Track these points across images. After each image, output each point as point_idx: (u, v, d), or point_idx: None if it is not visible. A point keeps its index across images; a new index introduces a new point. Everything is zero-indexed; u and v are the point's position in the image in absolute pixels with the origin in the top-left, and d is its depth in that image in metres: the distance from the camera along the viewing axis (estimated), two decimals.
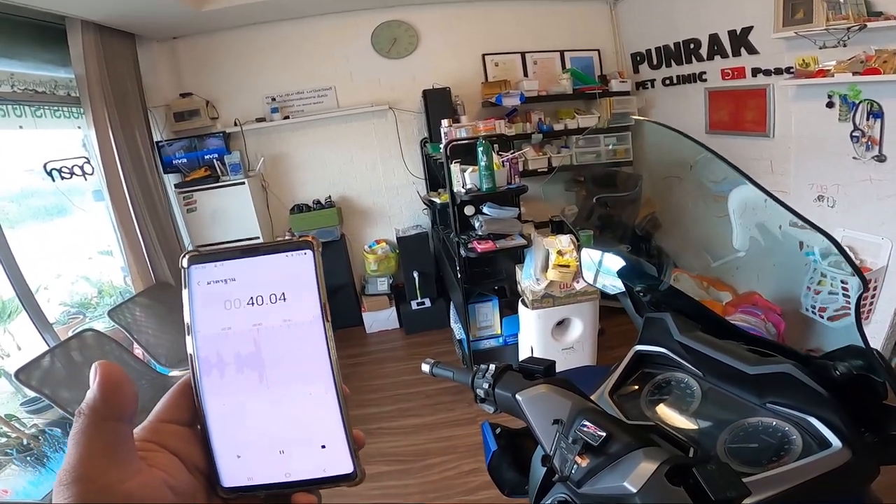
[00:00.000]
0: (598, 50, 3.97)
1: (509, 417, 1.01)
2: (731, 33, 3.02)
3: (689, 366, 0.85)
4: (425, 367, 0.93)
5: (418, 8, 3.71)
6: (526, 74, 3.85)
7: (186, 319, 0.28)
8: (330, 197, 3.82)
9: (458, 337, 2.96)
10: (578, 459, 0.61)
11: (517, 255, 2.54)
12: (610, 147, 3.70)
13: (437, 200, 3.36)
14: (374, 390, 3.00)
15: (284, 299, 0.28)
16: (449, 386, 2.93)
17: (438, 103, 3.42)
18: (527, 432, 0.94)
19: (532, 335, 2.39)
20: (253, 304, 0.28)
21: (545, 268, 2.28)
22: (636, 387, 0.92)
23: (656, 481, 0.52)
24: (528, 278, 2.32)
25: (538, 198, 3.59)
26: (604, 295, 2.58)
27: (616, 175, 3.30)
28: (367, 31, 3.71)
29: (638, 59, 3.86)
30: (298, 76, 3.71)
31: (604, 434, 0.62)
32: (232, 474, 0.27)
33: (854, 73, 2.32)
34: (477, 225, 2.47)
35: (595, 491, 0.59)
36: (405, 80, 3.77)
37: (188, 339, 0.28)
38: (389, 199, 4.01)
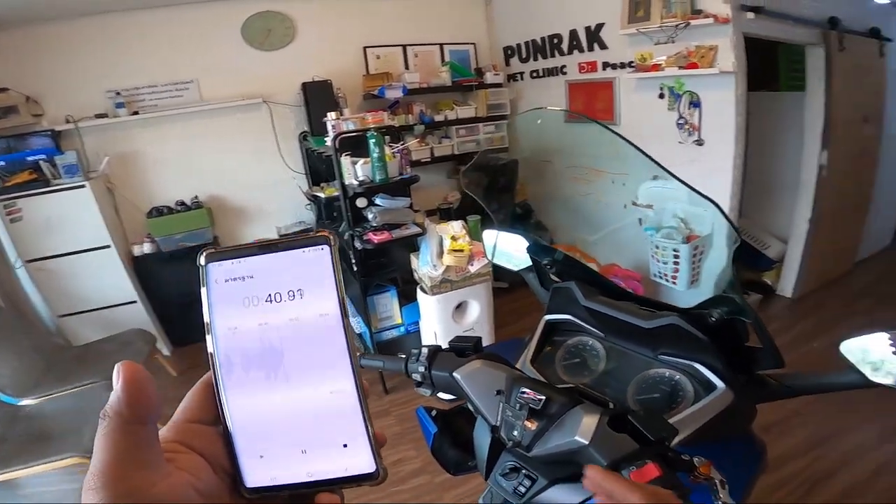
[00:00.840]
0: (474, 43, 4.14)
1: (439, 402, 1.04)
2: (587, 29, 3.33)
3: (593, 329, 0.97)
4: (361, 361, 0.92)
5: None
6: (407, 67, 3.89)
7: (206, 318, 0.27)
8: (197, 197, 3.46)
9: (358, 331, 2.92)
10: (528, 424, 0.65)
11: (411, 244, 2.58)
12: (488, 135, 3.93)
13: (322, 195, 3.25)
14: None
15: (302, 296, 0.27)
16: None
17: (319, 96, 3.30)
18: (460, 412, 0.98)
19: (434, 321, 2.46)
20: (271, 301, 0.27)
21: (440, 254, 2.36)
22: (549, 352, 1.01)
23: (603, 431, 0.58)
24: (426, 265, 2.37)
25: (425, 187, 3.67)
26: (495, 276, 2.77)
27: (501, 163, 3.53)
28: (236, 22, 3.43)
29: (509, 52, 4.10)
30: (151, 69, 3.30)
31: (543, 398, 0.67)
32: (255, 474, 0.27)
33: (679, 67, 2.70)
34: (370, 217, 2.45)
35: (546, 451, 0.63)
36: (281, 72, 3.56)
37: (208, 338, 0.27)
38: (268, 196, 3.76)
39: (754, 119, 3.45)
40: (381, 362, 0.91)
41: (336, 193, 2.81)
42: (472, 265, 2.34)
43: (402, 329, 2.85)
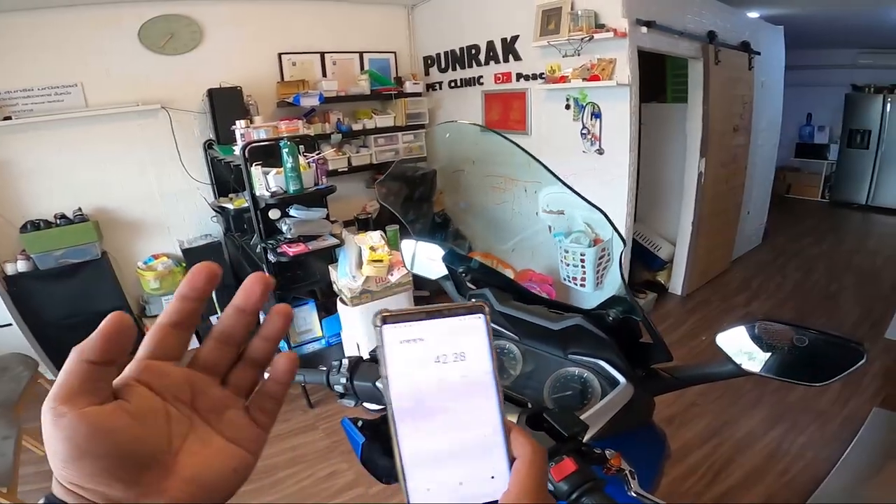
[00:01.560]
0: (395, 52, 4.11)
1: (366, 412, 1.03)
2: (504, 41, 3.44)
3: (509, 333, 1.02)
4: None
5: (202, 2, 3.29)
6: (325, 74, 3.78)
7: (384, 373, 0.31)
8: (80, 210, 3.10)
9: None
10: None
11: (329, 256, 2.52)
12: (406, 144, 3.93)
13: (230, 206, 3.07)
14: None
15: (464, 358, 0.32)
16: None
17: (227, 103, 3.11)
18: (387, 420, 0.98)
19: (356, 331, 2.42)
20: (438, 361, 0.32)
21: (360, 264, 2.32)
22: None
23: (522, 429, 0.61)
24: (345, 276, 2.33)
25: (343, 197, 3.59)
26: (416, 285, 2.78)
27: (419, 173, 3.55)
28: (133, 25, 3.14)
29: (429, 62, 4.13)
30: (25, 71, 2.92)
31: None
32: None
33: (583, 79, 2.88)
34: (285, 228, 2.35)
35: None
36: (184, 78, 3.30)
37: (385, 390, 0.31)
38: (167, 207, 3.46)
39: (646, 129, 3.80)
40: (301, 376, 0.90)
41: (246, 205, 2.66)
42: (391, 275, 2.34)
43: (324, 342, 2.77)
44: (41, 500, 0.27)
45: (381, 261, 2.29)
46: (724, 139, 3.65)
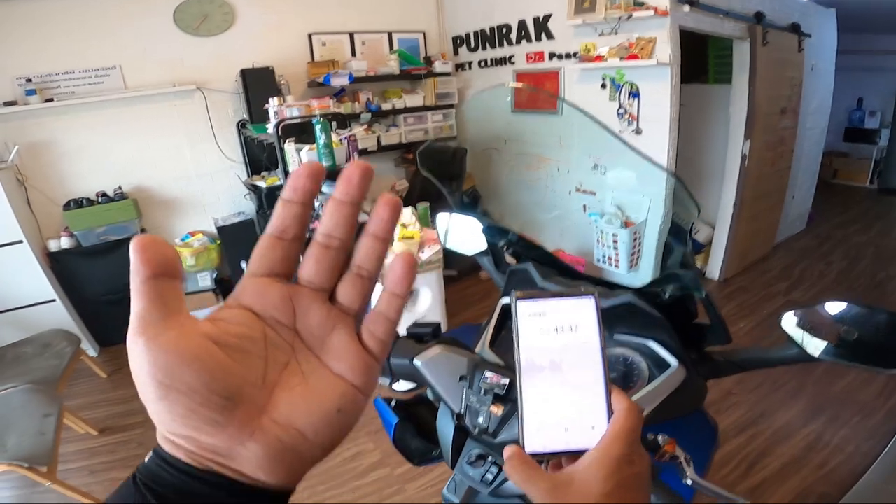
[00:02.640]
0: (423, 32, 4.08)
1: (397, 392, 1.02)
2: (536, 20, 3.37)
3: None
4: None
5: None
6: (354, 55, 3.79)
7: (516, 337, 0.38)
8: (121, 188, 3.19)
9: None
10: (494, 409, 0.64)
11: (360, 233, 2.51)
12: (437, 123, 3.90)
13: (263, 184, 3.11)
14: None
15: (577, 329, 0.38)
16: None
17: (260, 83, 3.15)
18: (421, 401, 0.96)
19: None
20: (557, 331, 0.38)
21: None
22: (507, 336, 1.01)
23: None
24: None
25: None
26: (445, 263, 2.76)
27: (443, 150, 3.51)
28: (167, 7, 3.19)
29: (458, 42, 4.08)
30: (67, 55, 3.01)
31: (507, 381, 0.66)
32: (533, 442, 0.37)
33: (620, 59, 2.80)
34: (316, 205, 2.35)
35: (513, 436, 0.62)
36: (217, 59, 3.36)
37: (516, 350, 0.38)
38: (202, 186, 3.54)
39: (686, 110, 3.65)
40: None
41: (278, 182, 2.68)
42: (422, 252, 2.32)
43: None
44: (149, 455, 0.26)
45: (412, 237, 2.28)
46: (771, 121, 3.48)
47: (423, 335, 0.84)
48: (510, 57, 3.66)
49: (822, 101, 4.29)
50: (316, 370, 0.27)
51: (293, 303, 0.28)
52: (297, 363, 0.27)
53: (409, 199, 3.64)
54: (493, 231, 1.04)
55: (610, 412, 0.37)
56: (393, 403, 0.97)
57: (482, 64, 3.92)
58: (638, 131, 3.01)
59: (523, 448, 0.37)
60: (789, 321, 0.74)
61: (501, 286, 1.06)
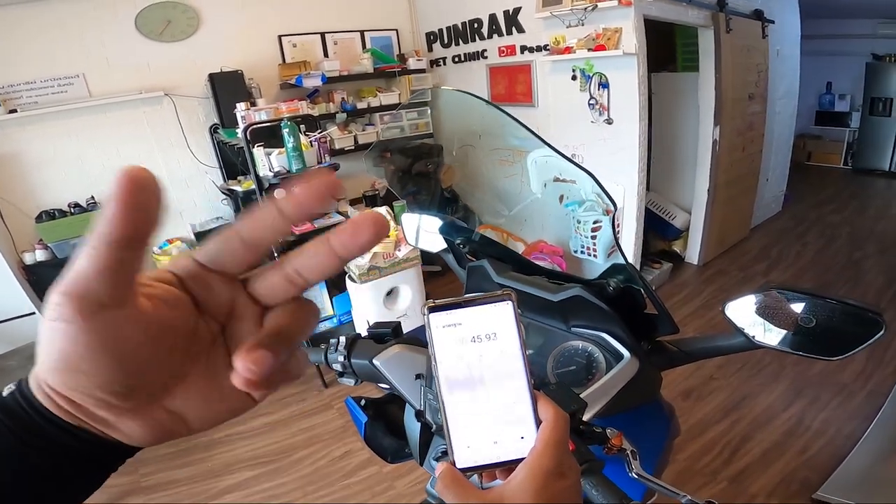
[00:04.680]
0: (396, 29, 4.05)
1: (370, 390, 1.03)
2: (506, 13, 3.36)
3: None
4: None
5: None
6: (326, 55, 3.75)
7: (431, 352, 0.37)
8: (93, 198, 3.15)
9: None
10: None
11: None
12: (412, 121, 3.90)
13: (239, 188, 3.08)
14: None
15: (496, 337, 0.37)
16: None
17: (229, 87, 3.13)
18: (391, 399, 0.97)
19: (365, 309, 2.44)
20: (475, 340, 0.37)
21: None
22: None
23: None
24: None
25: (349, 175, 3.59)
26: (423, 260, 2.78)
27: (420, 148, 3.51)
28: (129, 14, 3.12)
29: (431, 38, 4.07)
30: (28, 64, 2.94)
31: None
32: (463, 458, 0.37)
33: (588, 50, 2.80)
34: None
35: None
36: (185, 64, 3.30)
37: (433, 366, 0.37)
38: (178, 192, 3.50)
39: (657, 98, 3.69)
40: None
41: (254, 187, 2.67)
42: (399, 250, 2.33)
43: (335, 320, 2.80)
44: (11, 385, 0.24)
45: (388, 236, 2.28)
46: (739, 107, 3.55)
47: (384, 335, 0.85)
48: (483, 51, 3.67)
49: (790, 85, 4.37)
50: (223, 371, 0.26)
51: (232, 305, 0.27)
52: (209, 358, 0.26)
53: (388, 199, 3.65)
54: (450, 229, 1.05)
55: (538, 421, 0.37)
56: (363, 403, 0.98)
57: (456, 59, 3.92)
58: (609, 121, 3.03)
59: (454, 464, 0.36)
60: (734, 309, 0.75)
61: (464, 282, 1.08)
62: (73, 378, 0.23)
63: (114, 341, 0.22)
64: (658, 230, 3.78)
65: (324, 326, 2.77)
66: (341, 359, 0.82)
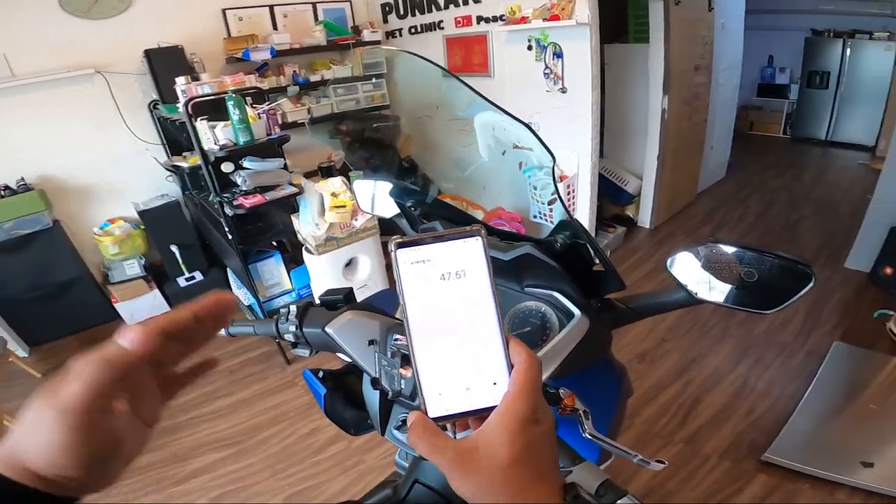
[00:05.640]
0: (350, 1, 3.92)
1: (331, 360, 1.01)
2: None
3: None
4: (221, 331, 0.85)
5: None
6: (276, 28, 3.60)
7: (400, 291, 0.34)
8: (23, 179, 2.93)
9: (246, 303, 2.76)
10: (402, 371, 0.63)
11: (291, 206, 2.45)
12: (367, 93, 3.81)
13: (185, 164, 2.94)
14: None
15: (465, 275, 0.35)
16: (252, 356, 2.73)
17: (168, 63, 2.98)
18: (350, 370, 0.95)
19: (324, 281, 2.40)
20: (444, 278, 0.35)
21: (322, 212, 2.27)
22: None
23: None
24: (307, 224, 2.28)
25: (304, 148, 3.49)
26: (382, 229, 2.75)
27: (377, 118, 3.44)
28: None
29: (387, 9, 3.98)
30: None
31: None
32: (435, 407, 0.35)
33: (543, 20, 2.81)
34: (240, 181, 2.26)
35: None
36: (118, 41, 3.10)
37: (402, 306, 0.34)
38: (117, 171, 3.30)
39: (610, 69, 3.75)
40: (251, 328, 0.84)
41: (199, 162, 2.55)
42: (356, 220, 2.30)
43: (294, 294, 2.75)
44: None
45: (343, 206, 2.24)
46: (686, 78, 3.66)
47: (336, 301, 0.83)
48: (439, 22, 3.61)
49: (734, 58, 4.52)
50: (143, 427, 0.36)
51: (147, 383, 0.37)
52: (139, 423, 0.36)
53: (345, 170, 3.57)
54: (402, 193, 1.04)
55: (510, 365, 0.35)
56: (321, 374, 0.96)
57: (412, 30, 3.85)
58: (564, 90, 3.06)
59: (426, 413, 0.35)
60: (674, 265, 0.75)
61: None
62: (64, 459, 0.31)
63: (109, 438, 0.33)
64: (612, 196, 3.89)
65: (283, 301, 2.72)
66: (293, 328, 0.78)
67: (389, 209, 1.10)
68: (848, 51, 5.81)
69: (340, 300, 0.82)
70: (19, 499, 0.30)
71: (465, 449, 0.33)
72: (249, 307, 2.71)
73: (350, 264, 2.49)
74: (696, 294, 0.73)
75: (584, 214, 3.18)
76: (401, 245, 0.35)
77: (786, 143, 6.57)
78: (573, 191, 3.12)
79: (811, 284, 0.65)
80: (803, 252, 3.46)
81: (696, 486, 1.84)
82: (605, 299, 0.86)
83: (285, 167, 2.36)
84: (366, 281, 2.50)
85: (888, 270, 2.82)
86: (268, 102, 2.46)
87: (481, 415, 0.35)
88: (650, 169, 3.69)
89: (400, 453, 0.82)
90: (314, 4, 3.75)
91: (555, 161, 0.77)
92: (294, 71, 3.54)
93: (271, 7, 3.59)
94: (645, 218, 3.91)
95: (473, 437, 0.34)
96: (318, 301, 0.85)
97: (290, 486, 2.00)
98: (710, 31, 3.85)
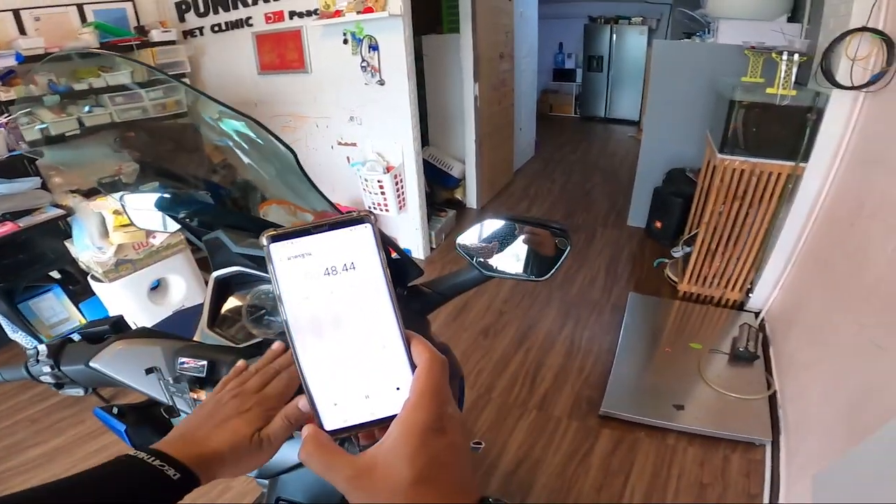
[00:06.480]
0: (132, 1, 3.36)
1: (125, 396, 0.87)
2: None
3: (264, 274, 0.92)
4: None
5: None
6: (24, 32, 2.93)
7: (276, 291, 0.30)
8: None
9: (29, 347, 2.22)
10: (194, 395, 0.61)
11: (63, 230, 2.04)
12: (157, 101, 3.33)
13: None
14: None
15: (354, 268, 0.31)
16: (56, 401, 2.28)
17: None
18: (151, 402, 0.84)
19: (126, 309, 2.06)
20: (328, 273, 0.31)
21: (105, 233, 1.94)
22: (234, 310, 0.92)
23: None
24: (86, 249, 1.91)
25: (84, 162, 2.92)
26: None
27: (172, 127, 3.04)
28: None
29: (183, 7, 3.53)
30: None
31: (205, 362, 0.62)
32: (332, 419, 0.31)
33: (357, 13, 2.80)
34: None
35: None
36: None
37: (280, 308, 0.31)
38: None
39: (428, 59, 3.90)
40: None
41: None
42: (154, 238, 2.01)
43: None
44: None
45: (131, 224, 1.93)
46: (493, 65, 3.99)
47: (101, 333, 0.74)
48: (247, 19, 3.35)
49: (531, 46, 5.08)
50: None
51: None
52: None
53: (140, 183, 3.09)
54: (170, 203, 0.93)
55: (413, 366, 0.32)
56: (115, 411, 0.84)
57: (216, 28, 3.49)
58: (382, 82, 3.09)
59: (321, 427, 0.31)
60: (464, 242, 0.78)
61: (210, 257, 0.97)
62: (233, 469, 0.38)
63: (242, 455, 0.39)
64: (440, 181, 4.09)
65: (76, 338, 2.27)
66: (47, 369, 0.70)
67: (168, 222, 0.98)
68: (614, 36, 6.88)
69: (107, 331, 0.74)
70: (166, 481, 0.36)
71: (364, 467, 0.29)
72: (36, 351, 2.20)
73: (159, 287, 2.18)
74: (484, 271, 0.77)
75: (415, 201, 3.28)
76: (274, 238, 0.31)
77: (577, 121, 7.68)
78: (401, 180, 3.19)
79: (568, 249, 0.71)
80: (597, 214, 4.08)
81: (556, 450, 1.91)
82: (411, 286, 0.87)
83: (43, 186, 1.93)
84: (182, 302, 2.22)
85: (658, 224, 3.48)
86: (6, 114, 1.98)
87: (385, 425, 0.31)
88: (471, 153, 3.96)
89: (258, 471, 0.77)
90: (80, 6, 3.17)
91: (295, 156, 0.77)
92: (50, 79, 2.95)
93: (16, 11, 2.95)
94: (472, 199, 4.20)
95: (372, 453, 0.30)
96: (76, 336, 0.75)
97: None
98: (510, 20, 4.24)
